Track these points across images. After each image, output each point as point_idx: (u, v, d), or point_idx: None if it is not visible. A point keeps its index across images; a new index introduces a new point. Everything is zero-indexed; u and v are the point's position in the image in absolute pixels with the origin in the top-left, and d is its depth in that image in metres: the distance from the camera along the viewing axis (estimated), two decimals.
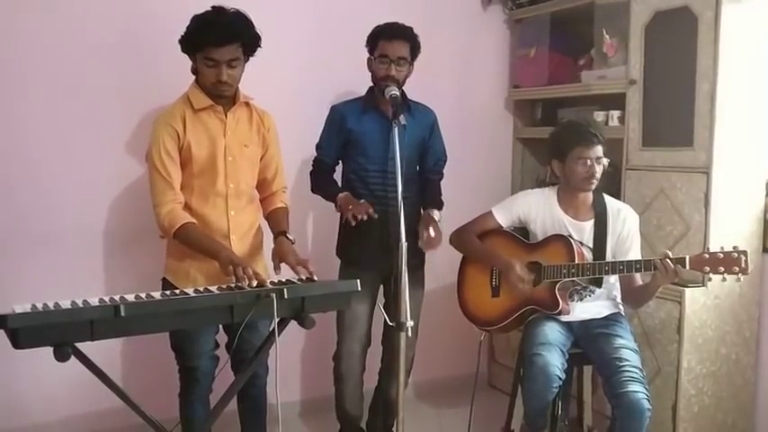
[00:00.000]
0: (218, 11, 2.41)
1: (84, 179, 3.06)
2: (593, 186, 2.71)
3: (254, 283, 2.18)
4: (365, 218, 2.65)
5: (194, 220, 2.43)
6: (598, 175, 2.68)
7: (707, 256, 2.44)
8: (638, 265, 2.56)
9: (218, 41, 2.36)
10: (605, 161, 2.69)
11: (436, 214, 2.86)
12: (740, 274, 2.42)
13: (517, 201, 2.90)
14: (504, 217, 2.86)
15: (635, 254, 2.73)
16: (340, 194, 2.81)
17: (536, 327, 2.69)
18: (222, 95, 2.48)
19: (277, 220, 2.63)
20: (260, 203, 2.72)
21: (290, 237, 2.54)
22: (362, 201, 2.73)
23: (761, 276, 3.05)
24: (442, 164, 3.10)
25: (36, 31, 2.94)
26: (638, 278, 2.70)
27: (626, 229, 2.73)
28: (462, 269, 2.97)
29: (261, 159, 2.64)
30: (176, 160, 2.45)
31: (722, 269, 2.41)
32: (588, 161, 2.67)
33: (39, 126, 2.98)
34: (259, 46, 2.49)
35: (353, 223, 2.67)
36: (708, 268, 2.43)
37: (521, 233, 2.87)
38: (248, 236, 2.60)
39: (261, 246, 2.68)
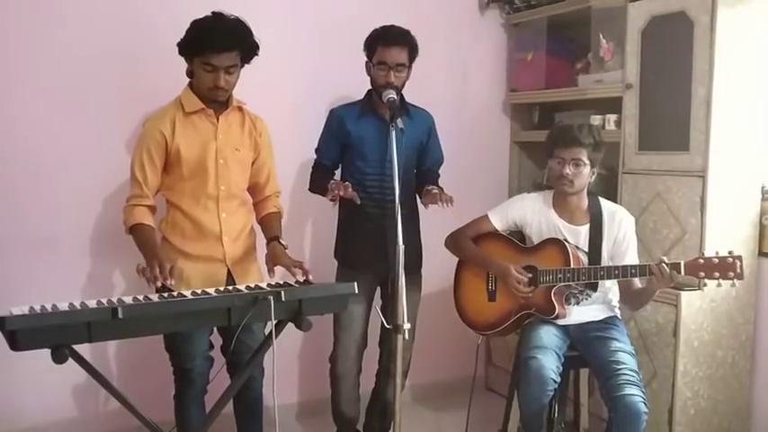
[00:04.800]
0: (218, 17, 2.42)
1: (82, 181, 3.06)
2: (568, 188, 2.68)
3: (159, 284, 2.20)
4: (341, 193, 2.63)
5: (150, 224, 2.47)
6: (571, 176, 2.65)
7: (702, 261, 2.44)
8: (633, 270, 2.57)
9: (219, 48, 2.38)
10: (586, 165, 2.65)
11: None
12: (735, 280, 2.42)
13: (513, 205, 2.91)
14: (499, 220, 2.87)
15: (632, 256, 2.73)
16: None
17: (532, 330, 2.70)
18: (217, 100, 2.50)
19: (270, 226, 2.65)
20: (253, 207, 2.73)
21: (282, 242, 2.56)
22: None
23: (756, 280, 3.06)
24: (439, 165, 3.12)
25: (34, 35, 2.94)
26: (637, 281, 2.70)
27: (622, 232, 2.73)
28: (458, 273, 2.97)
29: (253, 164, 2.66)
30: (157, 164, 2.49)
31: (717, 274, 2.42)
32: (561, 161, 2.66)
33: (35, 128, 2.98)
34: (256, 54, 2.51)
35: (330, 197, 2.65)
36: (703, 273, 2.44)
37: (516, 236, 2.88)
38: (240, 238, 2.62)
39: (254, 247, 2.70)
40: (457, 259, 2.97)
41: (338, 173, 3.02)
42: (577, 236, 2.74)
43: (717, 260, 2.42)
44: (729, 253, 2.42)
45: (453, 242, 2.94)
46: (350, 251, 2.98)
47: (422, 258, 3.03)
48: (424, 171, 3.05)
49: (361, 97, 2.96)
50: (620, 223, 2.73)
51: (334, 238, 3.06)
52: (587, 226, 2.74)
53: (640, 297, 2.68)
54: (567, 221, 2.76)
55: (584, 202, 2.76)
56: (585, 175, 2.68)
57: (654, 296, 2.63)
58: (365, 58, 2.89)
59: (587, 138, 2.67)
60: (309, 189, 2.99)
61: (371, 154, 2.88)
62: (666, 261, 2.47)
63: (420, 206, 3.04)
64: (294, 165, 3.32)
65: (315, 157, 3.02)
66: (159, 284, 2.21)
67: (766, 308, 3.08)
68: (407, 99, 2.95)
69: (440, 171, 3.12)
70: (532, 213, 2.81)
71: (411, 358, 3.10)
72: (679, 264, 2.46)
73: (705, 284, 2.46)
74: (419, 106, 3.01)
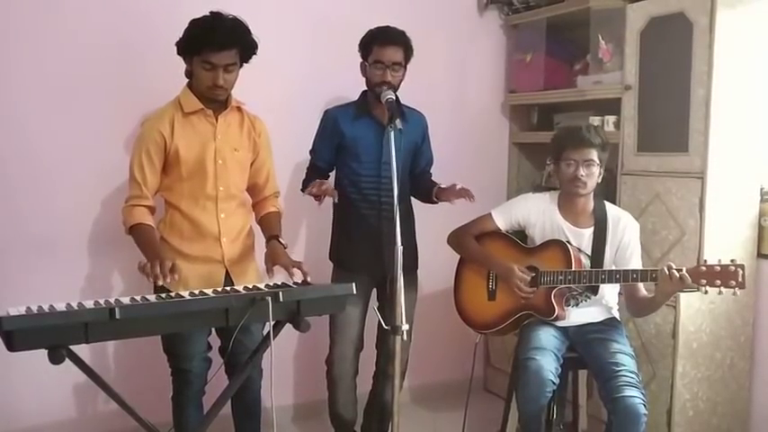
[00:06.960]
0: (216, 16, 2.43)
1: (80, 182, 3.06)
2: (581, 190, 2.68)
3: (159, 282, 2.20)
4: (314, 191, 2.65)
5: (150, 223, 2.46)
6: (585, 178, 2.65)
7: (704, 268, 2.41)
8: (634, 275, 2.56)
9: (219, 46, 2.38)
10: (597, 165, 2.66)
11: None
12: (737, 288, 2.38)
13: (517, 205, 2.90)
14: (502, 220, 2.86)
15: (636, 262, 2.71)
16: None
17: (530, 331, 2.69)
18: (216, 99, 2.50)
19: (269, 225, 2.65)
20: (252, 208, 2.73)
21: (282, 241, 2.55)
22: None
23: (755, 282, 3.05)
24: (431, 166, 3.12)
25: (32, 35, 2.93)
26: (642, 288, 2.68)
27: (626, 238, 2.71)
28: (459, 271, 2.96)
29: (252, 164, 2.66)
30: (156, 165, 2.48)
31: (719, 282, 2.38)
32: (573, 163, 2.66)
33: (34, 129, 2.98)
34: (255, 53, 2.51)
35: (307, 193, 2.69)
36: (704, 281, 2.40)
37: (518, 236, 2.88)
38: (239, 238, 2.61)
39: (252, 248, 2.69)
40: (457, 258, 2.97)
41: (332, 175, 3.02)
42: (581, 238, 2.73)
43: (719, 268, 2.39)
44: (732, 261, 2.39)
45: (456, 240, 2.93)
46: (345, 253, 2.97)
47: (418, 259, 3.02)
48: (418, 173, 3.05)
49: (356, 98, 2.96)
50: (624, 229, 2.72)
51: (329, 240, 3.05)
52: (591, 229, 2.73)
53: (649, 305, 2.64)
54: (571, 223, 2.75)
55: (590, 205, 2.75)
56: (596, 175, 2.68)
57: (665, 302, 2.58)
58: (360, 59, 2.89)
59: (596, 138, 2.67)
60: (302, 190, 2.98)
61: (366, 156, 2.87)
62: (673, 266, 2.44)
63: (415, 207, 3.03)
64: (289, 166, 3.30)
65: (309, 158, 3.02)
66: (160, 283, 2.20)
67: (765, 309, 3.08)
68: (406, 100, 2.94)
69: (440, 171, 3.12)
70: (537, 214, 2.80)
71: (408, 359, 3.09)
72: (681, 270, 2.44)
73: (706, 292, 2.42)
74: (413, 108, 3.00)
